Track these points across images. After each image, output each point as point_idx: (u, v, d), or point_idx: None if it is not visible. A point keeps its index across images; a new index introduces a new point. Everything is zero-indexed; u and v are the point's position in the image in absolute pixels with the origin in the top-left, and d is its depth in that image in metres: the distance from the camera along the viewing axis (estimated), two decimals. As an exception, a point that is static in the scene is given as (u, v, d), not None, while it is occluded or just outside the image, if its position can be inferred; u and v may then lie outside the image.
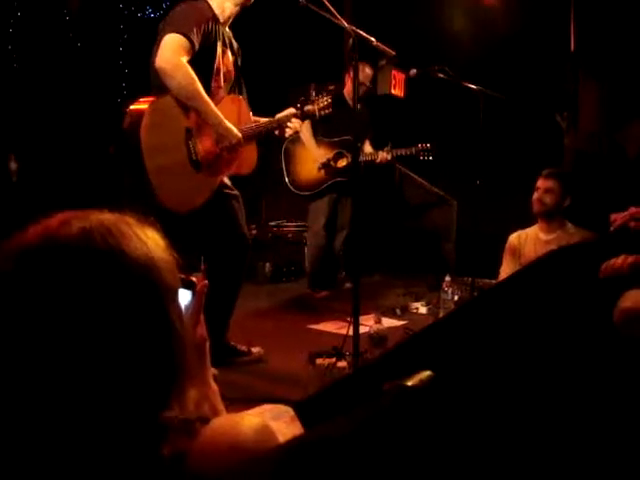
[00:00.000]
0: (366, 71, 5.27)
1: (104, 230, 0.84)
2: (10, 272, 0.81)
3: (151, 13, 7.32)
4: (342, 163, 5.29)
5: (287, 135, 3.63)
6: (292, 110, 3.52)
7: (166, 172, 3.11)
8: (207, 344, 1.17)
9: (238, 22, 3.46)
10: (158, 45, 3.09)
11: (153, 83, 3.19)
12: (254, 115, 3.52)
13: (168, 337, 0.86)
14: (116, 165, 3.35)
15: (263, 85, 4.58)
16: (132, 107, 3.20)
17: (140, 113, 3.09)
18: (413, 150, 5.24)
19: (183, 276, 1.04)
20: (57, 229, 0.84)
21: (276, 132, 3.56)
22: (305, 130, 5.17)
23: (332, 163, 5.26)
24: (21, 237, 0.84)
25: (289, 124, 3.51)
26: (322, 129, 5.23)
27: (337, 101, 3.72)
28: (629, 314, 1.69)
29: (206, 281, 1.18)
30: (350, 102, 5.24)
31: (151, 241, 0.88)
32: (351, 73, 5.18)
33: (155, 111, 3.11)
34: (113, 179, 3.70)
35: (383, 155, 5.25)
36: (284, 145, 5.25)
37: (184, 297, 1.14)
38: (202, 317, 1.18)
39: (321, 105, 3.53)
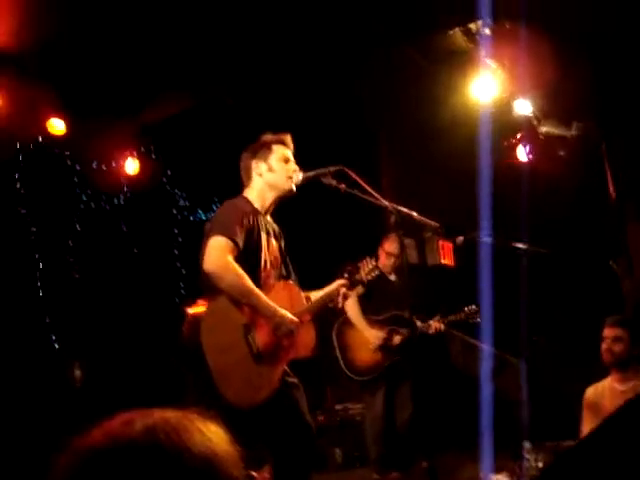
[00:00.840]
0: (397, 243, 5.36)
1: (168, 427, 0.85)
2: (79, 473, 0.81)
3: (202, 215, 7.73)
4: (397, 340, 5.24)
5: (340, 306, 3.62)
6: (340, 281, 3.54)
7: (230, 371, 3.11)
8: None
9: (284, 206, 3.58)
10: (204, 248, 3.19)
11: (204, 285, 3.26)
12: (306, 291, 3.54)
13: None
14: (178, 372, 3.36)
15: (311, 263, 4.68)
16: (189, 312, 3.25)
17: (197, 317, 3.15)
18: (463, 315, 5.24)
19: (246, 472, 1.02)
20: (121, 429, 0.85)
21: (330, 305, 3.56)
22: (354, 311, 5.19)
23: (388, 342, 5.21)
24: (86, 438, 0.85)
25: (340, 295, 3.51)
26: (367, 308, 5.25)
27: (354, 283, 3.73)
28: None
29: (267, 475, 1.15)
30: (387, 275, 5.32)
31: (214, 435, 0.89)
32: (385, 247, 5.31)
33: (212, 313, 3.17)
34: (176, 387, 3.70)
35: (436, 324, 5.24)
36: (334, 330, 5.23)
37: None
38: None
39: (367, 270, 3.55)
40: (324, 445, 5.88)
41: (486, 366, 6.15)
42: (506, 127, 5.93)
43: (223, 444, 0.89)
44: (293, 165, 3.48)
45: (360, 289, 3.74)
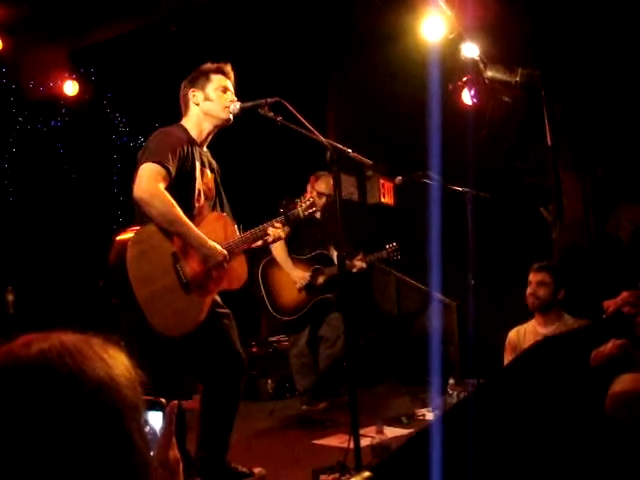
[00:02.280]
0: (330, 181, 5.37)
1: (63, 350, 0.85)
2: None
3: (143, 142, 7.56)
4: (321, 279, 5.32)
5: (269, 241, 3.63)
6: (274, 220, 3.55)
7: (158, 299, 3.10)
8: (180, 466, 1.14)
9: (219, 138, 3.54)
10: (135, 175, 3.15)
11: (136, 212, 3.24)
12: (247, 229, 3.53)
13: (129, 454, 0.85)
14: (106, 298, 3.34)
15: (249, 199, 4.67)
16: (117, 239, 3.21)
17: (123, 245, 3.11)
18: (384, 253, 5.35)
19: (151, 398, 1.02)
20: (18, 350, 0.85)
21: (259, 242, 3.58)
22: (280, 251, 5.23)
23: (312, 282, 5.28)
24: None
25: (270, 230, 3.52)
26: (292, 246, 5.29)
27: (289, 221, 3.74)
28: (618, 398, 1.64)
29: (175, 402, 1.16)
30: (302, 215, 5.36)
31: (112, 360, 0.89)
32: (314, 185, 5.32)
33: (139, 241, 3.13)
34: (105, 312, 3.68)
35: (359, 263, 5.32)
36: (259, 270, 5.25)
37: (156, 419, 1.12)
38: (174, 438, 1.16)
39: (304, 206, 3.56)
40: (256, 376, 5.98)
41: (425, 305, 6.31)
42: (453, 69, 5.92)
43: (122, 368, 0.89)
44: (231, 95, 3.44)
45: (287, 229, 3.73)
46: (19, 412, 0.79)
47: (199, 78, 3.44)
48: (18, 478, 0.77)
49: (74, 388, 0.82)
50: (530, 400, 1.87)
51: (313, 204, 3.60)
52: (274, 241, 3.65)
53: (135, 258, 3.08)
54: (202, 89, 3.42)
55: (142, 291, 3.06)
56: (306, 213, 3.59)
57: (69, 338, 0.88)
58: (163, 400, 1.15)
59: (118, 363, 0.89)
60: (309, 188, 5.41)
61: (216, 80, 3.43)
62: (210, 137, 3.49)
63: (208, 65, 3.47)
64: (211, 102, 3.40)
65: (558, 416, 1.77)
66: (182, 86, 3.49)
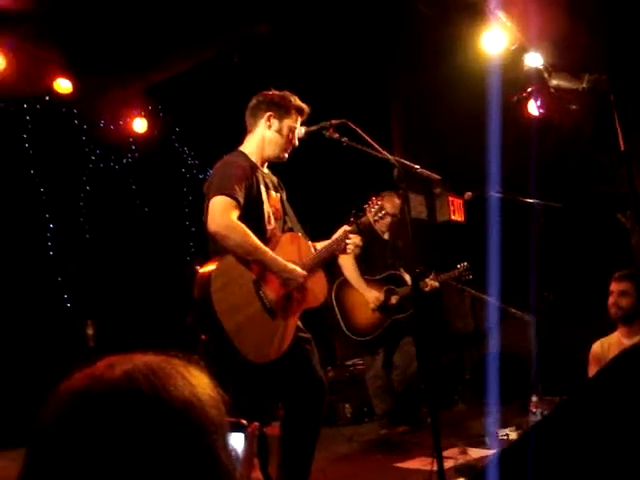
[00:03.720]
0: (395, 201, 5.33)
1: (147, 371, 0.86)
2: (54, 424, 0.82)
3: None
4: (394, 300, 5.27)
5: (349, 252, 3.60)
6: (346, 227, 3.51)
7: (245, 328, 3.11)
8: None
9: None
10: (206, 209, 3.19)
11: (210, 246, 3.27)
12: (316, 241, 3.53)
13: (216, 472, 0.86)
14: (196, 334, 3.37)
15: (317, 218, 4.66)
16: (199, 273, 3.22)
17: (207, 279, 3.12)
18: (456, 272, 5.29)
19: (233, 419, 1.02)
20: (101, 373, 0.86)
21: (337, 253, 3.56)
22: (353, 272, 5.22)
23: (386, 302, 5.24)
24: (68, 382, 0.87)
25: (348, 241, 3.50)
26: (363, 268, 5.27)
27: (369, 235, 3.70)
28: None
29: (257, 423, 1.15)
30: (381, 234, 5.34)
31: (195, 379, 0.89)
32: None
33: (220, 273, 3.14)
34: (189, 346, 3.71)
35: (432, 283, 5.26)
36: (333, 292, 5.24)
37: (238, 441, 1.12)
38: (256, 460, 1.15)
39: (373, 211, 3.52)
40: (334, 400, 5.95)
41: (494, 320, 6.17)
42: (516, 80, 5.84)
43: (205, 388, 0.90)
44: (296, 139, 3.44)
45: (357, 250, 3.69)
46: (107, 436, 0.80)
47: (282, 107, 3.41)
48: None
49: (160, 409, 0.83)
50: (619, 415, 1.78)
51: (382, 208, 3.55)
52: (352, 250, 3.61)
53: (219, 290, 3.10)
54: (279, 119, 3.40)
55: (229, 322, 3.07)
56: (376, 218, 3.54)
57: (152, 359, 0.89)
58: (244, 421, 1.15)
59: (201, 382, 0.90)
60: None
61: (294, 119, 3.43)
62: (270, 160, 3.48)
63: (294, 99, 3.45)
64: (280, 137, 3.40)
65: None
66: (258, 100, 3.46)
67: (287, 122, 3.41)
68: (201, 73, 6.53)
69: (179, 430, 0.83)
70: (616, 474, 1.65)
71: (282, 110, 3.41)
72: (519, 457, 1.77)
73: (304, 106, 3.47)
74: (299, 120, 3.46)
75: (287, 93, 3.47)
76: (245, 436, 1.13)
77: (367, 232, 3.67)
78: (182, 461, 0.82)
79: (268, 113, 3.41)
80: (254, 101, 3.47)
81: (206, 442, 0.85)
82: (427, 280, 5.30)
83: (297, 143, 3.45)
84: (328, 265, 3.63)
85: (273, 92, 3.46)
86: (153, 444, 0.80)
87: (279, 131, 3.40)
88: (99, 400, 0.83)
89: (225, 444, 0.89)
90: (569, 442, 1.79)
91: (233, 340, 3.04)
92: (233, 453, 0.93)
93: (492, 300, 6.10)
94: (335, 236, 3.50)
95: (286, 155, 3.44)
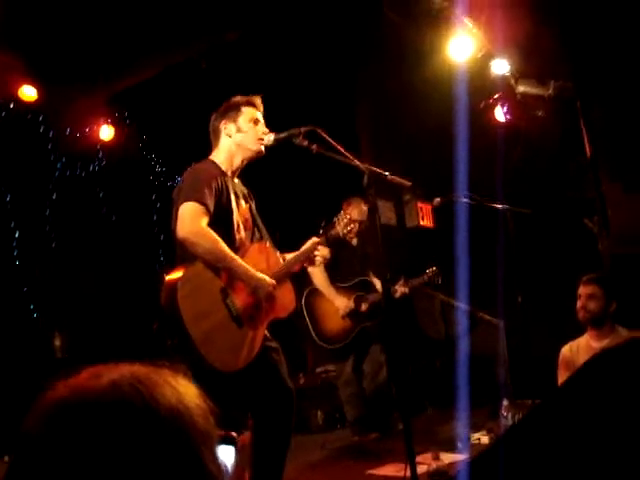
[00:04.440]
0: (361, 207, 5.35)
1: (134, 380, 0.84)
2: (40, 434, 0.80)
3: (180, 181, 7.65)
4: (364, 307, 5.28)
5: (317, 264, 3.61)
6: (315, 239, 3.52)
7: (212, 336, 3.08)
8: None
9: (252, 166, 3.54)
10: (175, 216, 3.16)
11: (178, 253, 3.24)
12: (283, 252, 3.52)
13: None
14: (161, 340, 3.34)
15: (285, 226, 4.66)
16: (167, 280, 3.20)
17: (173, 284, 3.10)
18: (425, 277, 5.30)
19: (222, 432, 1.01)
20: (87, 382, 0.84)
21: (305, 265, 3.56)
22: (322, 280, 5.22)
23: (357, 309, 5.25)
24: (50, 394, 0.85)
25: (317, 253, 3.50)
26: (332, 275, 5.26)
27: (337, 243, 3.71)
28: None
29: (246, 435, 1.14)
30: (349, 241, 5.32)
31: (184, 389, 0.88)
32: (345, 210, 5.27)
33: (188, 280, 3.12)
34: (158, 354, 3.67)
35: (401, 289, 5.27)
36: (303, 300, 5.24)
37: (227, 454, 1.10)
38: (246, 474, 1.14)
39: (342, 224, 3.52)
40: (305, 407, 5.93)
41: (462, 325, 6.21)
42: (483, 87, 5.89)
43: (193, 398, 0.88)
44: (262, 127, 3.44)
45: (327, 256, 3.69)
46: (95, 445, 0.78)
47: (230, 110, 3.45)
48: None
49: (148, 418, 0.81)
50: (592, 422, 1.79)
51: (351, 220, 3.57)
52: (321, 262, 3.62)
53: (186, 297, 3.07)
54: (234, 121, 3.41)
55: (196, 330, 3.04)
56: (345, 231, 3.55)
57: (138, 368, 0.88)
58: (234, 434, 1.14)
59: (189, 392, 0.89)
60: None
61: (247, 112, 3.44)
62: (240, 169, 3.48)
63: (238, 98, 3.48)
64: (243, 134, 3.40)
65: (622, 431, 1.69)
66: (212, 118, 3.50)
67: (242, 118, 3.42)
68: (168, 80, 6.49)
69: (167, 439, 0.81)
70: None
71: (232, 112, 3.44)
72: (489, 466, 1.77)
73: (251, 97, 3.49)
74: (257, 111, 3.47)
75: (232, 98, 3.49)
76: (235, 449, 1.12)
77: (336, 242, 3.67)
78: (170, 471, 0.80)
79: (222, 122, 3.43)
80: (210, 122, 3.50)
81: (195, 452, 0.83)
82: (397, 287, 5.30)
83: (267, 132, 3.42)
84: (297, 274, 3.62)
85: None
86: (141, 453, 0.79)
87: (239, 130, 3.41)
88: (86, 409, 0.81)
89: (214, 455, 0.87)
90: (540, 449, 1.79)
91: (199, 348, 3.01)
92: (222, 465, 0.91)
93: (461, 304, 6.14)
94: (304, 248, 3.51)
95: (262, 147, 3.41)
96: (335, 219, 3.53)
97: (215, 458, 0.87)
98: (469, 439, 4.76)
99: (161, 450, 0.80)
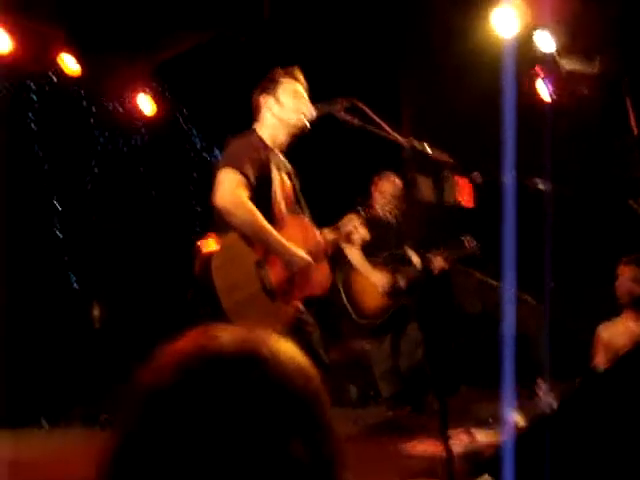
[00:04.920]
0: (395, 181, 5.24)
1: (259, 339, 0.84)
2: (175, 388, 0.78)
3: (219, 155, 7.67)
4: (404, 282, 5.20)
5: (355, 244, 3.59)
6: (354, 218, 3.50)
7: (243, 307, 3.09)
8: None
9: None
10: (214, 183, 3.15)
11: (216, 219, 3.23)
12: (322, 230, 3.49)
13: (329, 441, 0.84)
14: (195, 309, 3.37)
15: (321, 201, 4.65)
16: (201, 250, 3.22)
17: (209, 256, 3.12)
18: (464, 251, 5.17)
19: None
20: (207, 339, 0.83)
21: (343, 243, 3.54)
22: (357, 256, 5.14)
23: (395, 285, 5.18)
24: (176, 347, 0.83)
25: (355, 232, 3.47)
26: (367, 250, 5.18)
27: (374, 221, 3.65)
28: None
29: None
30: (382, 215, 5.21)
31: (295, 353, 0.88)
32: (378, 185, 5.18)
33: (222, 251, 3.14)
34: (192, 322, 3.70)
35: (440, 264, 5.15)
36: (339, 278, 5.17)
37: None
38: None
39: (381, 203, 3.49)
40: (339, 382, 5.94)
41: (506, 305, 6.14)
42: (527, 62, 5.77)
43: (300, 352, 0.89)
44: (304, 100, 3.40)
45: (366, 237, 3.65)
46: (234, 400, 0.76)
47: (270, 84, 3.41)
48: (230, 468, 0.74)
49: (277, 372, 0.81)
50: (632, 410, 1.76)
51: (389, 200, 3.55)
52: (359, 242, 3.60)
53: (219, 268, 3.08)
54: (273, 95, 3.38)
55: (228, 300, 3.06)
56: (384, 211, 3.53)
57: (255, 330, 0.87)
58: None
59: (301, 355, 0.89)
60: (373, 188, 5.30)
61: (286, 85, 3.39)
62: (286, 144, 3.45)
63: (277, 71, 3.45)
64: (283, 108, 3.36)
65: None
66: (253, 94, 3.47)
67: (282, 91, 3.38)
68: (208, 53, 6.48)
69: (299, 394, 0.82)
70: (628, 465, 1.63)
71: (271, 86, 3.40)
72: (533, 448, 1.75)
73: (290, 69, 3.44)
74: (297, 82, 3.42)
75: (272, 70, 3.45)
76: None
77: (374, 221, 3.64)
78: (303, 431, 0.79)
79: (261, 97, 3.40)
80: (252, 97, 3.46)
81: (324, 414, 0.84)
82: (435, 261, 5.19)
83: (309, 105, 3.37)
84: (333, 251, 3.61)
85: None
86: (276, 407, 0.78)
87: (279, 104, 3.36)
88: (219, 362, 0.79)
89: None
90: (581, 435, 1.76)
91: (230, 318, 3.02)
92: None
93: (499, 283, 6.08)
94: (343, 227, 3.48)
95: (305, 121, 3.36)
96: (371, 198, 3.50)
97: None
98: (507, 418, 4.72)
99: (296, 407, 0.80)
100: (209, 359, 0.80)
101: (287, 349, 0.85)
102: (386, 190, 5.12)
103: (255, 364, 0.80)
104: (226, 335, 0.83)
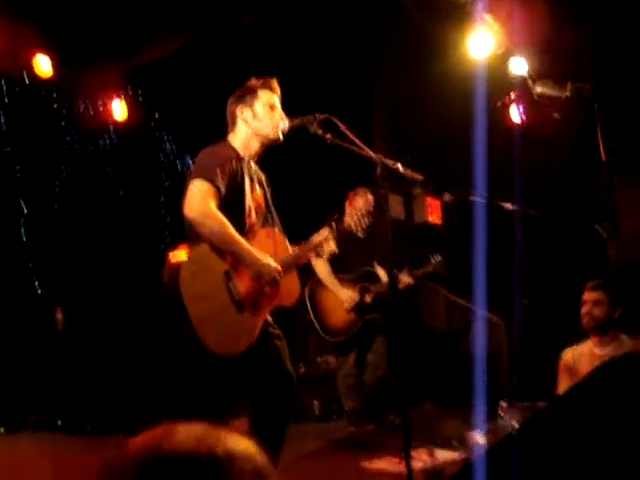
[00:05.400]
0: (368, 197, 5.29)
1: (215, 439, 0.85)
2: None
3: (190, 161, 7.63)
4: (369, 298, 5.23)
5: (324, 257, 3.59)
6: (327, 231, 3.48)
7: (211, 318, 3.08)
8: None
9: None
10: (185, 193, 3.13)
11: (187, 230, 3.21)
12: (293, 244, 3.48)
13: None
14: (160, 316, 3.34)
15: (293, 214, 4.65)
16: (170, 259, 3.21)
17: (177, 264, 3.11)
18: (431, 267, 5.21)
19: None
20: (166, 437, 0.84)
21: (311, 256, 3.54)
22: (325, 272, 5.18)
23: (361, 301, 5.21)
24: (127, 452, 0.84)
25: (324, 244, 3.47)
26: (337, 266, 5.21)
27: (344, 236, 3.67)
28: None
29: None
30: (354, 230, 5.23)
31: (248, 445, 0.89)
32: (352, 201, 5.23)
33: (192, 261, 3.13)
34: (158, 329, 3.67)
35: (406, 279, 5.19)
36: (307, 292, 5.19)
37: None
38: None
39: (353, 218, 3.49)
40: (302, 396, 5.92)
41: (474, 324, 6.18)
42: (501, 85, 5.84)
43: (258, 451, 0.90)
44: (279, 112, 3.40)
45: (335, 250, 3.64)
46: None
47: (246, 95, 3.39)
48: None
49: (234, 470, 0.82)
50: (595, 431, 1.77)
51: (362, 215, 3.54)
52: (328, 255, 3.60)
53: (188, 278, 3.07)
54: (250, 106, 3.36)
55: (195, 310, 3.04)
56: (356, 225, 3.52)
57: (204, 425, 0.88)
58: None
59: (254, 447, 0.90)
60: (347, 203, 5.34)
61: (263, 96, 3.38)
62: (258, 154, 3.45)
63: (254, 81, 3.42)
64: (259, 120, 3.35)
65: (626, 442, 1.68)
66: (228, 103, 3.45)
67: (259, 103, 3.36)
68: (182, 59, 6.45)
69: None
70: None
71: (247, 96, 3.38)
72: (497, 467, 1.75)
73: (267, 79, 3.43)
74: (273, 94, 3.41)
75: (248, 81, 3.43)
76: None
77: (345, 235, 3.64)
78: None
79: (238, 107, 3.38)
80: (227, 106, 3.44)
81: None
82: (401, 276, 5.23)
83: (284, 117, 3.37)
84: (300, 266, 3.60)
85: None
86: None
87: (255, 116, 3.35)
88: (178, 463, 0.81)
89: None
90: (543, 456, 1.77)
91: (196, 328, 3.01)
92: None
93: (466, 303, 6.13)
94: (315, 239, 3.47)
95: (279, 134, 3.35)
96: (344, 213, 3.51)
97: None
98: (465, 438, 4.74)
99: None
100: (165, 460, 0.81)
101: (244, 448, 0.86)
102: (359, 206, 5.16)
103: (209, 466, 0.81)
104: (182, 434, 0.84)
